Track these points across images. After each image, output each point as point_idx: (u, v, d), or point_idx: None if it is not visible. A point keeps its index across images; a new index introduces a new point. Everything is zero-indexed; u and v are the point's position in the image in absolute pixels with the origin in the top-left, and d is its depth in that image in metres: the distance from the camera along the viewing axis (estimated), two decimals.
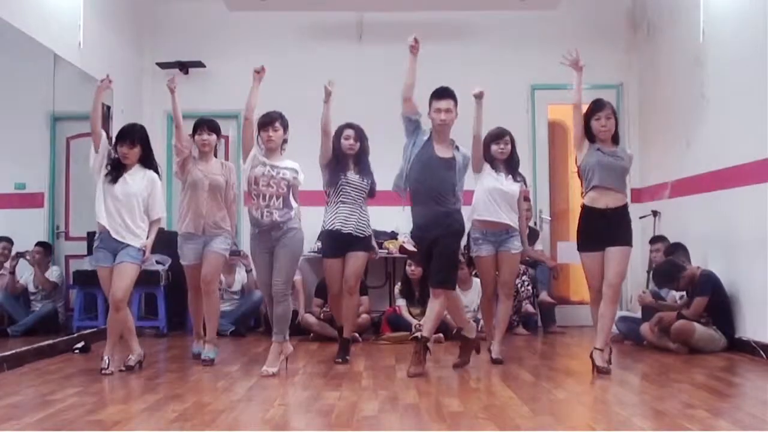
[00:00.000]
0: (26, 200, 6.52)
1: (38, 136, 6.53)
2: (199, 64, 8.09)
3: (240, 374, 5.01)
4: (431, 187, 4.96)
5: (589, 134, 5.04)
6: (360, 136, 5.60)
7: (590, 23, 8.13)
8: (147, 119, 8.06)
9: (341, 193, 5.51)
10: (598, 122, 4.99)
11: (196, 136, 5.59)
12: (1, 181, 6.29)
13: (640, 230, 7.14)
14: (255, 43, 8.16)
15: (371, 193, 5.63)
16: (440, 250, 4.91)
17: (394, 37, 8.15)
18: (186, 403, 4.10)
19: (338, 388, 4.47)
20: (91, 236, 7.12)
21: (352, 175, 5.53)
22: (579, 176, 5.15)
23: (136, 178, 5.12)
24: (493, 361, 5.33)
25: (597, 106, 5.04)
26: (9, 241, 6.32)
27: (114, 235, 5.03)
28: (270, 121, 5.06)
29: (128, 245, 5.04)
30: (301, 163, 5.21)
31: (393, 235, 7.48)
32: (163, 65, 8.09)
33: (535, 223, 7.89)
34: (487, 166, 5.47)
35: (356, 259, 5.53)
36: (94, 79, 6.84)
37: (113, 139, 5.25)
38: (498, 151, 5.48)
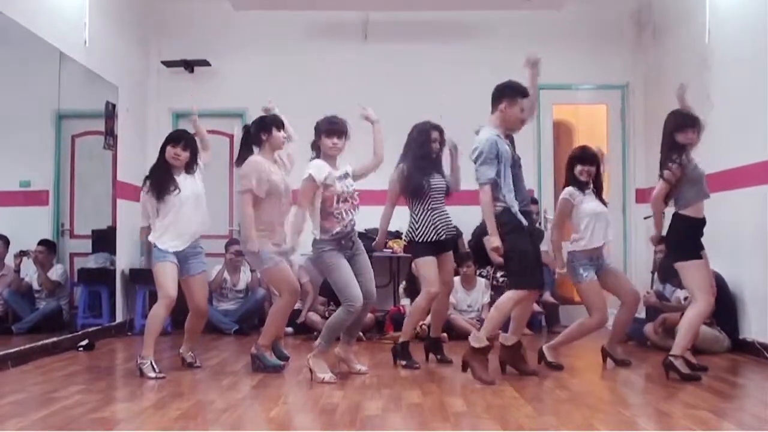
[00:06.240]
0: (31, 198, 6.52)
1: (43, 133, 6.54)
2: (204, 63, 8.10)
3: (243, 373, 5.01)
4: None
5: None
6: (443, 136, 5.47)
7: (596, 24, 8.13)
8: (152, 118, 8.10)
9: (431, 198, 5.32)
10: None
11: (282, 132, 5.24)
12: (6, 179, 6.30)
13: (645, 230, 7.11)
14: (260, 42, 8.19)
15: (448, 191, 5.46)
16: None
17: (399, 37, 8.25)
18: (189, 401, 4.11)
19: (342, 387, 4.47)
20: (95, 234, 7.16)
21: (436, 179, 5.37)
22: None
23: (189, 179, 5.10)
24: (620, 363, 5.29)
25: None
26: (5, 240, 6.37)
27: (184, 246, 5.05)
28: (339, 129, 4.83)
29: (200, 250, 5.18)
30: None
31: (397, 235, 7.47)
32: (169, 64, 8.11)
33: (540, 224, 7.88)
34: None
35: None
36: (99, 77, 6.89)
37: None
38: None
